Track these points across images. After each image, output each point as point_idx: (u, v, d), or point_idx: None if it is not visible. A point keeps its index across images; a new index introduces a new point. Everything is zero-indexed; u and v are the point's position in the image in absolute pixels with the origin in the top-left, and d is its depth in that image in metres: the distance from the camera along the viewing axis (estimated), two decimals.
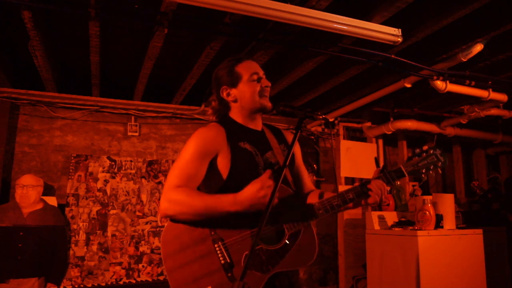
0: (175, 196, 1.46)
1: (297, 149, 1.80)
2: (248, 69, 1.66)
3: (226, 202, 1.42)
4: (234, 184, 1.52)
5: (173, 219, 1.51)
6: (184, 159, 1.53)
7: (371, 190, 1.48)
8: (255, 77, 1.65)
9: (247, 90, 1.63)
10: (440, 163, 1.54)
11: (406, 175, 1.54)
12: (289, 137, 1.80)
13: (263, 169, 1.58)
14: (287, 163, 1.37)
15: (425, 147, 1.57)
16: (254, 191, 1.38)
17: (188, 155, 1.52)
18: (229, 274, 1.42)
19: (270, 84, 1.68)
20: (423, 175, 1.54)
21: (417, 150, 1.57)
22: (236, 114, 1.68)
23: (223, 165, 1.55)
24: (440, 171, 1.55)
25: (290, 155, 1.41)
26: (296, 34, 2.84)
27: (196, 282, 1.43)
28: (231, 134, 1.60)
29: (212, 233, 1.48)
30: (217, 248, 1.45)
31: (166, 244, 1.49)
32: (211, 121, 1.69)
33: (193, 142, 1.55)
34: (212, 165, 1.56)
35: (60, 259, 3.64)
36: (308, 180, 1.82)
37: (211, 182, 1.57)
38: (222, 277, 1.42)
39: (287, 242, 1.47)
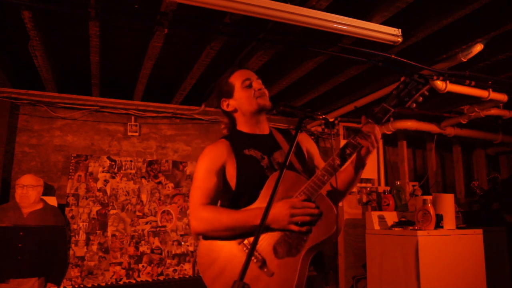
0: (203, 214, 1.55)
1: (313, 148, 1.82)
2: (240, 77, 1.73)
3: (251, 214, 1.49)
4: (242, 191, 1.60)
5: (205, 237, 1.58)
6: (198, 179, 1.62)
7: (362, 138, 1.51)
8: (247, 83, 1.71)
9: (242, 96, 1.70)
10: (420, 85, 1.51)
11: (391, 109, 1.53)
12: (301, 137, 1.82)
13: (269, 171, 1.61)
14: (287, 163, 1.38)
15: (402, 78, 1.54)
16: (282, 208, 1.44)
17: (201, 174, 1.62)
18: (265, 270, 1.45)
19: (262, 86, 1.73)
20: (410, 103, 1.51)
21: (396, 85, 1.55)
22: (241, 125, 1.75)
23: (231, 175, 1.62)
24: (426, 93, 1.53)
25: (290, 154, 1.41)
26: (296, 34, 2.85)
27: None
28: (236, 144, 1.67)
29: (237, 238, 1.53)
30: (245, 250, 1.50)
31: (200, 261, 1.56)
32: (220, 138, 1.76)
33: (201, 161, 1.65)
34: (223, 177, 1.64)
35: (60, 259, 3.64)
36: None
37: (224, 193, 1.66)
38: (259, 276, 1.45)
39: None
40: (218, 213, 1.54)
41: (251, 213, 1.49)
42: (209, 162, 1.63)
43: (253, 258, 1.47)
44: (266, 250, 1.47)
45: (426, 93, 1.51)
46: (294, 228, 1.45)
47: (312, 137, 5.01)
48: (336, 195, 1.64)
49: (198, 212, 1.56)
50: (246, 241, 1.51)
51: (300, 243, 1.45)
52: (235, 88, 1.72)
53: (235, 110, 1.73)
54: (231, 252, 1.52)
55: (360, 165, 1.57)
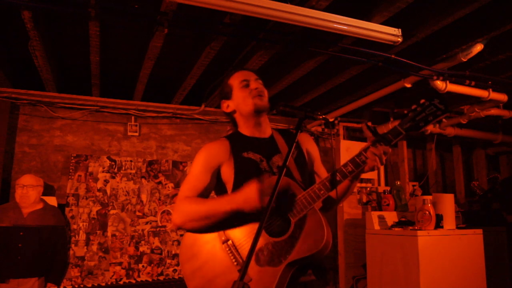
0: (182, 207, 1.56)
1: (314, 150, 1.81)
2: (238, 78, 1.73)
3: (224, 200, 1.49)
4: None
5: (187, 231, 1.60)
6: (192, 173, 1.63)
7: (367, 158, 1.45)
8: (244, 83, 1.71)
9: (239, 97, 1.70)
10: (440, 111, 1.40)
11: (403, 132, 1.44)
12: (303, 137, 1.81)
13: (268, 173, 1.61)
14: (287, 163, 1.37)
15: (422, 101, 1.44)
16: (249, 189, 1.42)
17: (196, 170, 1.63)
18: None
19: (259, 86, 1.70)
20: (423, 129, 1.42)
21: (413, 106, 1.45)
22: (242, 127, 1.74)
23: (228, 176, 1.62)
24: (444, 120, 1.45)
25: (290, 155, 1.40)
26: (296, 34, 2.85)
27: (209, 284, 1.49)
28: (235, 146, 1.66)
29: (222, 237, 1.54)
30: (228, 251, 1.50)
31: (182, 252, 1.59)
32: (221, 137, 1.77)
33: (199, 156, 1.65)
34: (218, 176, 1.64)
35: (60, 259, 3.64)
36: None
37: (219, 193, 1.67)
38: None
39: (294, 230, 1.45)
40: (195, 203, 1.54)
41: (223, 200, 1.50)
42: (206, 159, 1.63)
43: (234, 260, 1.48)
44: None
45: (444, 120, 1.46)
46: (265, 202, 1.39)
47: (312, 137, 5.01)
48: (331, 203, 1.65)
49: (179, 205, 1.57)
50: (230, 242, 1.51)
51: (283, 255, 1.43)
52: (234, 89, 1.72)
53: (234, 111, 1.73)
54: (213, 249, 1.53)
55: (357, 177, 1.55)
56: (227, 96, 1.74)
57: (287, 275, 1.44)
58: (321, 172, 1.77)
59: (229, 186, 1.62)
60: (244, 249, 1.47)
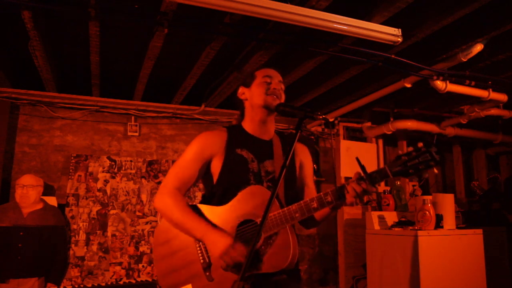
0: (167, 199, 1.59)
1: (307, 161, 1.80)
2: (263, 72, 1.76)
3: (197, 229, 1.52)
4: (221, 187, 1.61)
5: None
6: (184, 159, 1.65)
7: (348, 192, 1.43)
8: (266, 79, 1.72)
9: (256, 90, 1.72)
10: (433, 162, 1.35)
11: (391, 176, 1.40)
12: (299, 148, 1.80)
13: (253, 176, 1.61)
14: (284, 171, 1.36)
15: (420, 144, 1.39)
16: (223, 241, 1.45)
17: (188, 156, 1.65)
18: (207, 273, 1.50)
19: (278, 87, 1.71)
20: (410, 176, 1.41)
21: (410, 149, 1.40)
22: (247, 120, 1.74)
23: (216, 168, 1.63)
24: (436, 171, 1.45)
25: (288, 161, 1.38)
26: (296, 34, 2.84)
27: (174, 273, 1.55)
28: (232, 140, 1.67)
29: None
30: (198, 248, 1.55)
31: (156, 235, 1.64)
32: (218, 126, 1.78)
33: (194, 144, 1.67)
34: (208, 167, 1.66)
35: (60, 259, 3.64)
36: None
37: (206, 183, 1.70)
38: (200, 276, 1.51)
39: (262, 244, 1.47)
40: (175, 205, 1.57)
41: (198, 227, 1.52)
42: (199, 148, 1.65)
43: (201, 258, 1.53)
44: (215, 256, 1.48)
45: (436, 171, 1.45)
46: (222, 265, 1.46)
47: (312, 137, 5.01)
48: (311, 223, 1.68)
49: (165, 192, 1.60)
50: (201, 243, 1.55)
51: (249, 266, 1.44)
52: (255, 80, 1.74)
53: (246, 99, 1.76)
54: (186, 241, 1.57)
55: (338, 208, 1.54)
56: (247, 84, 1.77)
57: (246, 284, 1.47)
58: (310, 188, 1.77)
59: (215, 178, 1.63)
60: (213, 253, 1.49)
